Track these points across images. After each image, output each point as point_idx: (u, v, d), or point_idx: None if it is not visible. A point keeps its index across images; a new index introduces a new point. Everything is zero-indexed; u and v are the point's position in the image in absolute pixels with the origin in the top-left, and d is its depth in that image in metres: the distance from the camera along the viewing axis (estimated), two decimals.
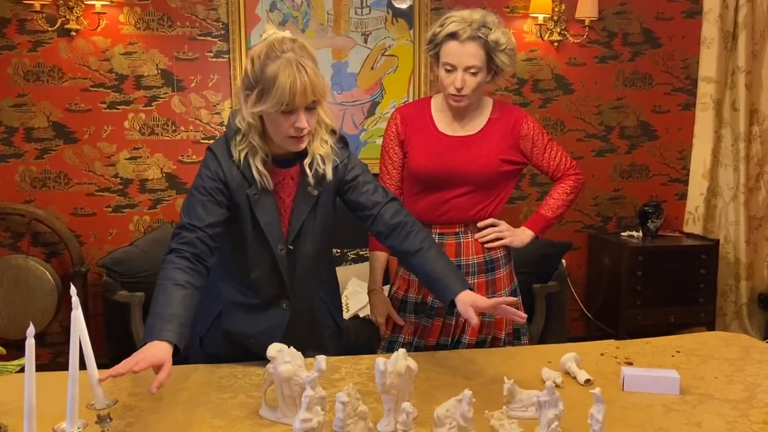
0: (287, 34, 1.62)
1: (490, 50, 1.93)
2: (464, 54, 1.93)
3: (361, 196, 1.80)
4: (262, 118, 1.65)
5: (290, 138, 1.63)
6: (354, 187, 1.80)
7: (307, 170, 1.71)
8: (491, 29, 1.92)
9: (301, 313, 1.82)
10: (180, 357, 1.65)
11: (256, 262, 1.74)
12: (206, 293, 1.74)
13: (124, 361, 1.40)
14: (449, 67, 1.96)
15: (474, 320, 1.65)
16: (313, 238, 1.77)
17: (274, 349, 1.42)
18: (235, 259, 1.76)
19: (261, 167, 1.67)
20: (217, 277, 1.79)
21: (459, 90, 1.95)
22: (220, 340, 1.83)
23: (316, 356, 1.37)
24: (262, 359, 1.79)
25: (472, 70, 1.94)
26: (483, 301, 1.69)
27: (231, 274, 1.79)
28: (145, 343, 1.48)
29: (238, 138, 1.67)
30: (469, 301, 1.67)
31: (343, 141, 1.81)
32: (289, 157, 1.73)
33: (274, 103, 1.56)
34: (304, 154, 1.71)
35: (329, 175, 1.73)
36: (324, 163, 1.72)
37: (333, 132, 1.76)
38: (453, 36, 1.93)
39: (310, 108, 1.61)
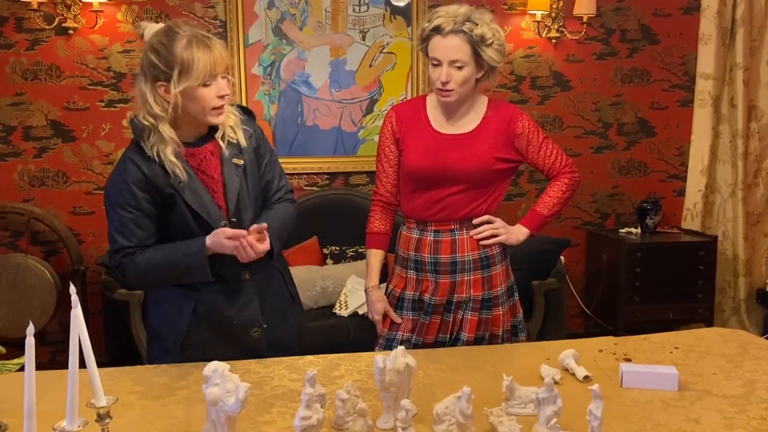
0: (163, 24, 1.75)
1: (475, 45, 1.93)
2: (447, 48, 1.93)
3: (267, 175, 1.91)
4: (170, 107, 1.69)
5: (214, 110, 1.72)
6: (263, 165, 1.90)
7: (221, 143, 1.79)
8: (477, 24, 1.92)
9: (262, 284, 1.86)
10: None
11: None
12: (167, 304, 1.81)
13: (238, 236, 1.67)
14: (435, 62, 1.97)
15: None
16: (251, 206, 1.84)
17: (209, 368, 1.31)
18: None
19: (173, 158, 1.72)
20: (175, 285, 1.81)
21: (444, 84, 1.95)
22: (200, 339, 1.82)
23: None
24: (254, 354, 1.82)
25: (457, 65, 1.94)
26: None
27: None
28: (192, 264, 1.71)
29: (145, 135, 1.71)
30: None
31: (247, 111, 1.90)
32: (202, 136, 1.80)
33: (197, 76, 1.65)
34: (215, 129, 1.80)
35: (243, 141, 1.82)
36: (235, 132, 1.81)
37: (233, 105, 1.88)
38: (437, 30, 1.94)
39: (224, 76, 1.72)
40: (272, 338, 1.88)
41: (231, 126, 1.81)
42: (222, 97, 1.72)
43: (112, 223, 1.74)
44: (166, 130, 1.70)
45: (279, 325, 1.90)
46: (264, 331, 1.86)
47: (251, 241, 1.69)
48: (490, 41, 1.93)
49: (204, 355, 1.75)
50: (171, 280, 1.77)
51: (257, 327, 1.84)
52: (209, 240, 1.70)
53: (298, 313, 2.06)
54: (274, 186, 1.93)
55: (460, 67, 1.94)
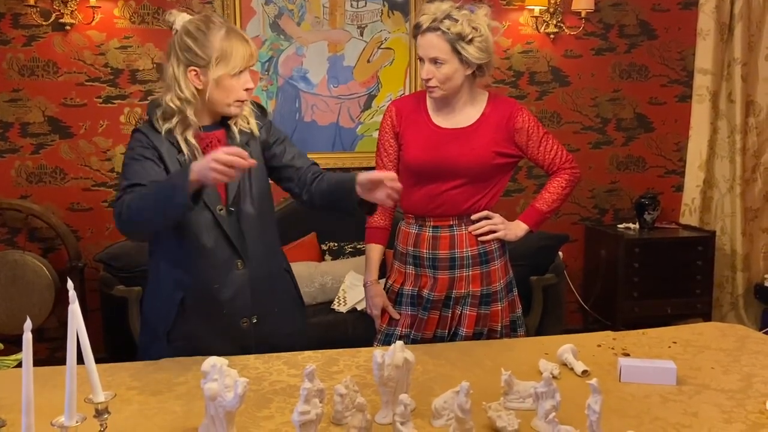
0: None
1: (453, 42, 1.93)
2: (424, 45, 1.96)
3: (288, 156, 1.93)
4: (195, 94, 1.75)
5: (237, 101, 1.78)
6: (280, 150, 1.93)
7: (234, 128, 1.83)
8: (457, 20, 1.92)
9: (261, 280, 1.86)
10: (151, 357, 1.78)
11: (201, 226, 1.78)
12: (159, 292, 1.83)
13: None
14: (420, 59, 2.00)
15: (378, 175, 1.73)
16: (252, 198, 1.85)
17: (208, 364, 1.31)
18: (183, 230, 1.78)
19: (193, 140, 1.77)
20: (168, 269, 1.83)
21: (426, 80, 1.98)
22: (187, 329, 1.83)
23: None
24: (241, 347, 1.82)
25: (438, 62, 1.95)
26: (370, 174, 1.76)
27: (183, 251, 1.81)
28: (180, 184, 1.58)
29: (159, 114, 1.76)
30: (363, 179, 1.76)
31: (259, 107, 1.95)
32: (215, 122, 1.84)
33: (234, 66, 1.73)
34: (226, 118, 1.84)
35: (255, 129, 1.87)
36: (248, 121, 1.87)
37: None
38: (417, 28, 1.98)
39: (251, 71, 1.81)
40: (268, 335, 1.88)
41: (245, 115, 1.86)
42: (248, 90, 1.78)
43: (123, 174, 1.78)
44: (191, 114, 1.75)
45: (277, 325, 1.90)
46: (253, 325, 1.86)
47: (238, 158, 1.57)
48: (470, 38, 1.93)
49: (190, 345, 1.79)
50: (154, 207, 1.66)
51: (246, 318, 1.85)
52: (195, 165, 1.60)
53: (303, 315, 2.05)
54: (303, 161, 1.95)
55: (440, 65, 1.95)
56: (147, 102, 3.69)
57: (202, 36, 1.73)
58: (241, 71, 1.75)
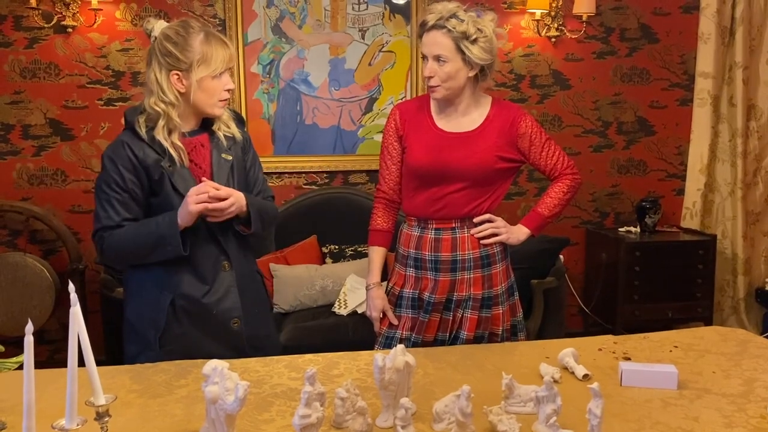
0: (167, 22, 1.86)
1: (457, 41, 1.94)
2: (429, 43, 1.97)
3: (255, 183, 1.99)
4: (179, 97, 1.79)
5: (220, 101, 1.84)
6: (252, 173, 1.98)
7: (219, 134, 1.87)
8: (462, 21, 1.93)
9: (241, 277, 1.89)
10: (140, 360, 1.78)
11: (187, 229, 1.80)
12: (143, 297, 1.84)
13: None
14: (424, 57, 2.01)
15: None
16: None
17: (209, 367, 1.31)
18: None
19: (178, 142, 1.81)
20: (150, 273, 1.84)
21: (428, 79, 1.99)
22: (179, 333, 1.84)
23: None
24: (235, 348, 1.84)
25: (441, 60, 1.96)
26: None
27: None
28: (173, 222, 1.74)
29: (160, 122, 1.78)
30: None
31: (237, 114, 2.00)
32: (194, 129, 1.88)
33: (214, 68, 1.78)
34: (209, 123, 1.89)
35: (237, 133, 1.93)
36: (229, 125, 1.92)
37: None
38: (422, 25, 1.99)
39: (230, 72, 1.87)
40: (251, 337, 1.91)
41: (225, 119, 1.91)
42: (228, 90, 1.83)
43: (99, 202, 1.80)
44: (176, 116, 1.79)
45: (258, 326, 1.94)
46: (243, 325, 1.88)
47: (215, 194, 1.73)
48: (474, 38, 1.94)
49: (183, 350, 1.79)
50: (145, 254, 1.79)
51: (237, 317, 1.87)
52: (179, 211, 1.75)
53: (273, 321, 2.13)
54: (256, 191, 1.99)
55: (443, 63, 1.96)
56: None
57: (183, 40, 1.77)
58: (221, 73, 1.80)
